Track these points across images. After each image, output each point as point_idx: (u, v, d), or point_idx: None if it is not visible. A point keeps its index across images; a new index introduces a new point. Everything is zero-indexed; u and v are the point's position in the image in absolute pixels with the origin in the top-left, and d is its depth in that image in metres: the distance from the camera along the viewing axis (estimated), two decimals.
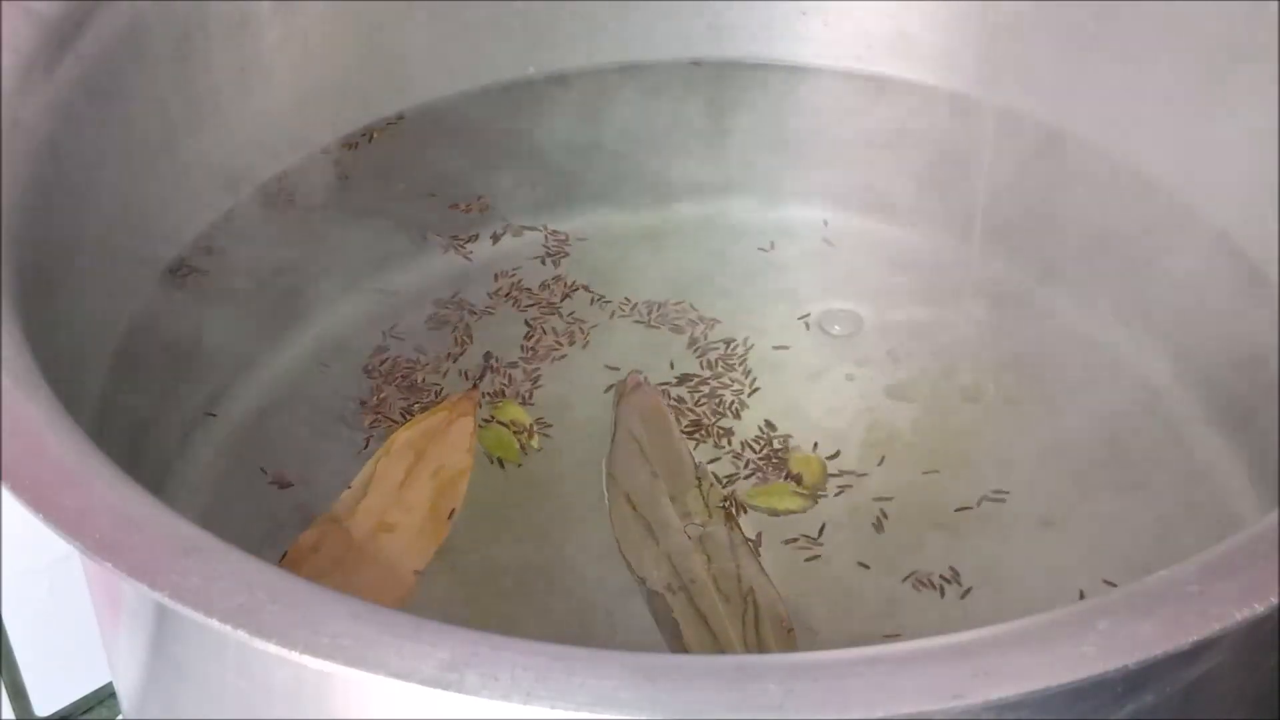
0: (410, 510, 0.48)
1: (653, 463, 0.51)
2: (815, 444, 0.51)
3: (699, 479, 0.50)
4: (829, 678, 0.29)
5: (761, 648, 0.45)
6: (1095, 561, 0.48)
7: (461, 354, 0.55)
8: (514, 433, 0.52)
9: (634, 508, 0.49)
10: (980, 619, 0.45)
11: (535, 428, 0.52)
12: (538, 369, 0.55)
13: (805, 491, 0.49)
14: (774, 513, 0.49)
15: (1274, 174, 0.54)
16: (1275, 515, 0.33)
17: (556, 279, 0.59)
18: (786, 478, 0.49)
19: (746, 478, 0.50)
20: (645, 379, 0.54)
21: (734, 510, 0.49)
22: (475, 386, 0.54)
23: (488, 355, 0.55)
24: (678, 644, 0.45)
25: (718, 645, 0.45)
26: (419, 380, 0.54)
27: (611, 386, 0.54)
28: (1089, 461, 0.51)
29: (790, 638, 0.45)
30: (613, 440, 0.52)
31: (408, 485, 0.49)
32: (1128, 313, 0.56)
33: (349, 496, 0.49)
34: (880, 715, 0.28)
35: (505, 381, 0.54)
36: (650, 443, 0.51)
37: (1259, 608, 0.30)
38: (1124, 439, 0.52)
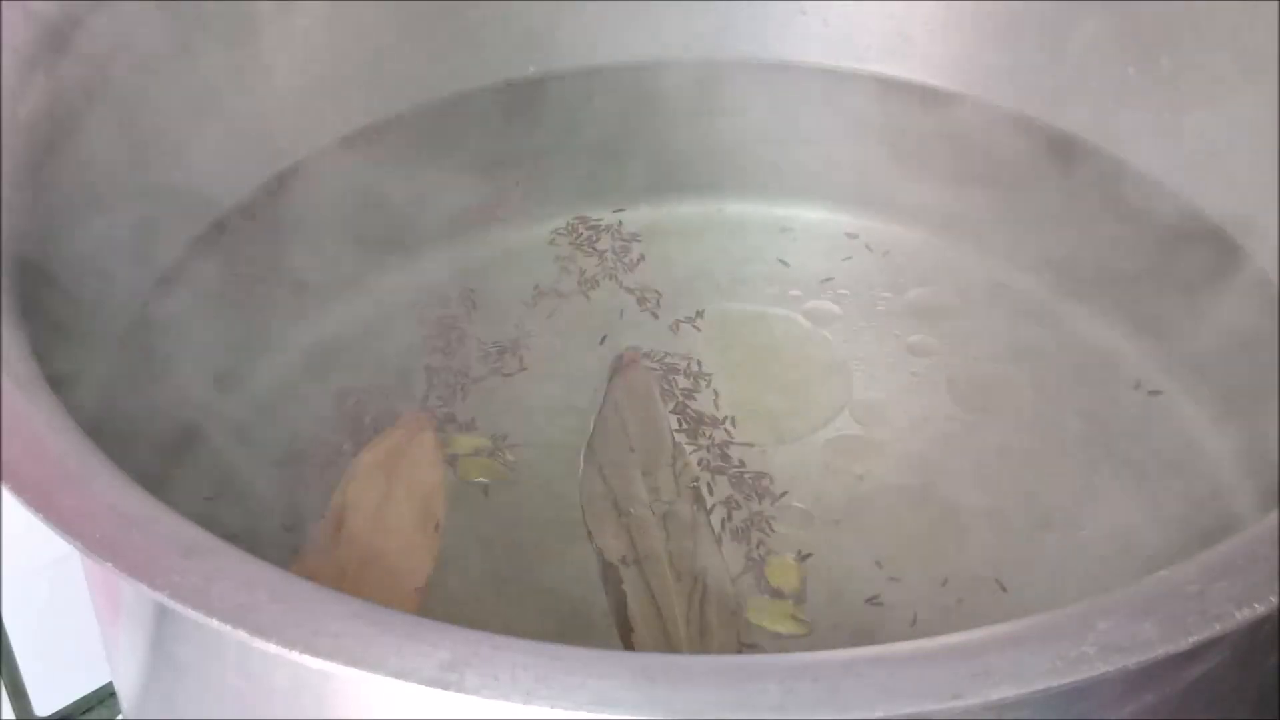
0: (395, 532, 0.48)
1: (631, 438, 0.51)
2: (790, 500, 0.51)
3: (674, 458, 0.50)
4: (829, 678, 0.29)
5: (704, 627, 0.45)
6: (1095, 562, 0.48)
7: (439, 360, 0.55)
8: (486, 456, 0.51)
9: (604, 480, 0.49)
10: (979, 619, 0.45)
11: (500, 443, 0.52)
12: (498, 380, 0.54)
13: (801, 616, 0.47)
14: (773, 635, 0.47)
15: (1274, 173, 0.54)
16: (1275, 515, 0.33)
17: (553, 279, 0.59)
18: (764, 591, 0.47)
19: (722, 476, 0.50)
20: (641, 356, 0.54)
21: (703, 491, 0.49)
22: (425, 403, 0.53)
23: (429, 371, 0.54)
24: (622, 616, 0.45)
25: (660, 620, 0.45)
26: (390, 388, 0.54)
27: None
28: (1088, 461, 0.51)
29: (734, 620, 0.45)
30: (598, 413, 0.52)
31: (385, 508, 0.49)
32: (1128, 312, 0.56)
33: (326, 526, 0.48)
34: (880, 715, 0.28)
35: (448, 395, 0.53)
36: (632, 418, 0.52)
37: (1259, 608, 0.30)
38: (1124, 439, 0.52)
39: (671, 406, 0.53)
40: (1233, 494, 0.50)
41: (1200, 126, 0.57)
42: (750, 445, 0.51)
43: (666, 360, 0.55)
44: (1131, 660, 0.29)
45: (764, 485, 0.50)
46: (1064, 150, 0.61)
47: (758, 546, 0.48)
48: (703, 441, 0.52)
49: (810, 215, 0.61)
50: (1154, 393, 0.54)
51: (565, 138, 0.64)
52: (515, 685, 0.29)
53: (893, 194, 0.62)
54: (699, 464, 0.51)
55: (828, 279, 0.58)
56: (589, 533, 0.48)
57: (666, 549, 0.47)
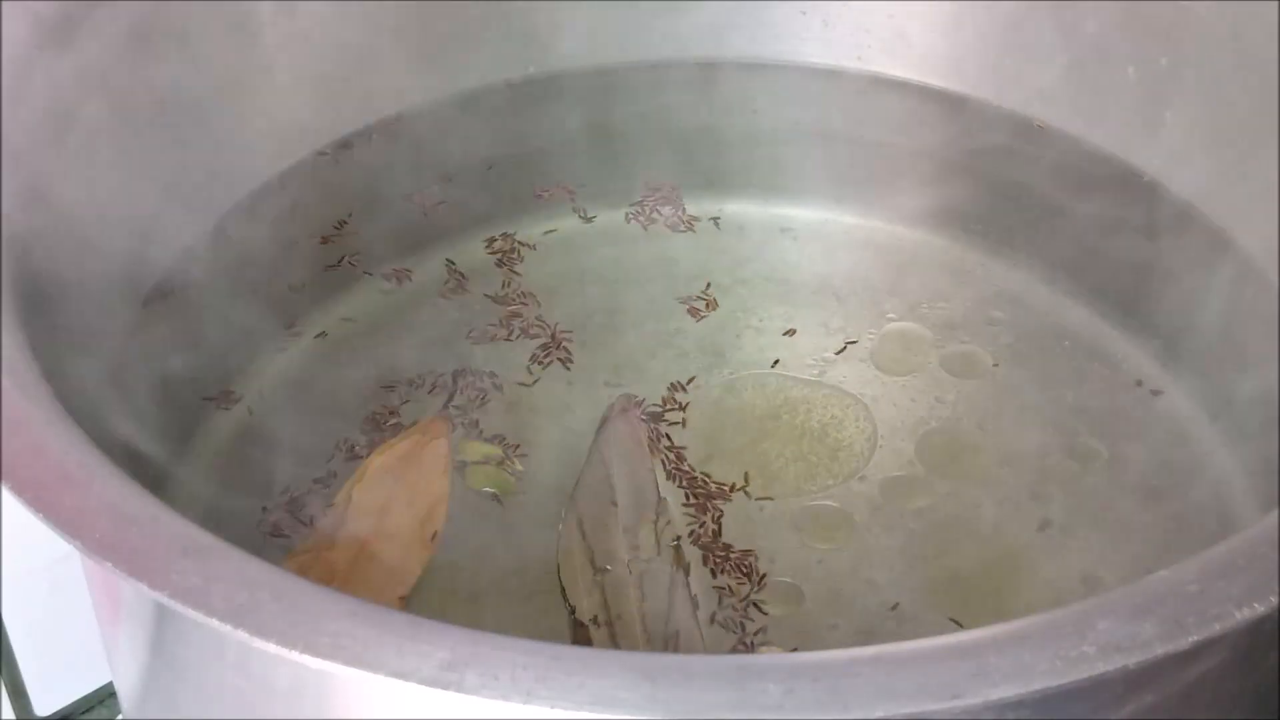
0: (392, 538, 0.48)
1: (615, 491, 0.49)
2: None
3: (657, 514, 0.49)
4: (829, 678, 0.29)
5: None
6: (1096, 562, 0.48)
7: (446, 365, 0.55)
8: (495, 464, 0.51)
9: (583, 535, 0.48)
10: (979, 620, 0.45)
11: (510, 453, 0.51)
12: (517, 384, 0.54)
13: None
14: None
15: (1274, 174, 0.54)
16: (1275, 515, 0.33)
17: (552, 281, 0.59)
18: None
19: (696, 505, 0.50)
20: (634, 405, 0.53)
21: (684, 550, 0.48)
22: (445, 408, 0.53)
23: (456, 375, 0.54)
24: None
25: None
26: (397, 394, 0.54)
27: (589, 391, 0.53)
28: (1088, 462, 0.51)
29: None
30: (585, 464, 0.51)
31: (387, 512, 0.48)
32: (1128, 312, 0.56)
33: (325, 525, 0.48)
34: (880, 715, 0.28)
35: (479, 398, 0.53)
36: (618, 471, 0.50)
37: (1259, 608, 0.30)
38: (1124, 439, 0.52)
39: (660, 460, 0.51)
40: (1233, 494, 0.50)
41: (1199, 127, 0.57)
42: (769, 499, 0.50)
43: (657, 411, 0.53)
44: (1131, 660, 0.29)
45: (750, 563, 0.48)
46: (1064, 150, 0.61)
47: (756, 634, 0.46)
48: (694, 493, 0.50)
49: (810, 215, 0.61)
50: (1154, 392, 0.54)
51: (565, 138, 0.64)
52: (515, 685, 0.29)
53: (893, 194, 0.62)
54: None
55: (828, 280, 0.58)
56: (562, 588, 0.47)
57: (640, 610, 0.45)
